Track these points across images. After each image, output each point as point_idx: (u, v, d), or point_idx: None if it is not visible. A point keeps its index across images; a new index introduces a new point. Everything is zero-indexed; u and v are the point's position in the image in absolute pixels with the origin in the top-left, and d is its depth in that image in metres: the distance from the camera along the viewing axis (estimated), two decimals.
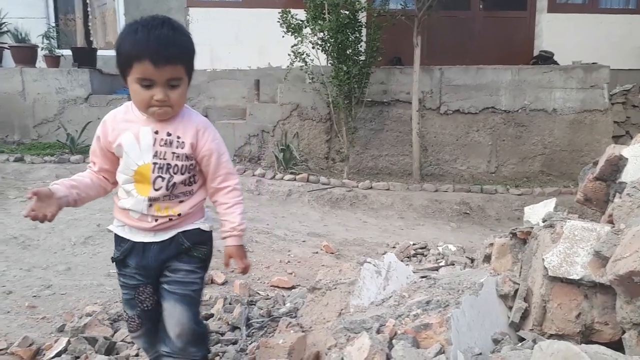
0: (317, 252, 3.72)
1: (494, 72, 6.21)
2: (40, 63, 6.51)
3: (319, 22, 5.32)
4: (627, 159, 1.84)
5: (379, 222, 4.95)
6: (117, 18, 7.28)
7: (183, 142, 1.48)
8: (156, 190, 1.46)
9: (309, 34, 5.45)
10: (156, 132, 1.46)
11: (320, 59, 5.64)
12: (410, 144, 6.13)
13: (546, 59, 6.71)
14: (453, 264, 3.40)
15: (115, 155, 1.48)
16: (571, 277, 1.46)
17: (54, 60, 6.38)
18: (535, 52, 6.98)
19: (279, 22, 5.56)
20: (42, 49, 6.37)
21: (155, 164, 1.45)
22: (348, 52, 5.42)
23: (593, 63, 6.37)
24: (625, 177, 1.79)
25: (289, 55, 5.50)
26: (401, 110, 6.30)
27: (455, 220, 5.16)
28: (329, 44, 5.43)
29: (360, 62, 5.57)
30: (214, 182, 1.55)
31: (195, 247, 1.55)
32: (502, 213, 5.28)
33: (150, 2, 7.18)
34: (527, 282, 1.65)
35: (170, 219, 1.50)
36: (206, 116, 7.23)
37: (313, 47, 5.53)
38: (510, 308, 1.64)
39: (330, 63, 5.63)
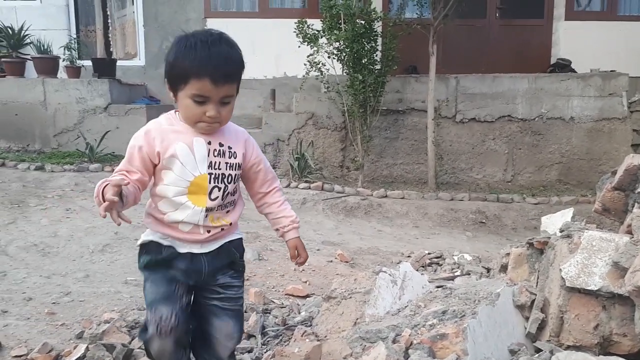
0: (331, 261, 3.72)
1: (511, 80, 6.18)
2: (62, 74, 6.65)
3: (335, 31, 5.36)
4: None
5: (394, 231, 4.93)
6: (137, 29, 7.42)
7: (235, 152, 1.50)
8: (212, 200, 1.47)
9: (325, 43, 5.49)
10: (209, 143, 1.46)
11: (335, 69, 5.68)
12: (425, 153, 6.11)
13: (563, 67, 6.65)
14: (469, 274, 3.38)
15: (158, 166, 1.45)
16: (589, 288, 1.45)
17: (74, 71, 6.52)
18: (553, 60, 6.92)
19: (295, 32, 5.61)
20: (64, 60, 6.51)
21: (210, 174, 1.45)
22: (364, 62, 5.44)
23: (611, 71, 6.30)
24: None
25: (304, 65, 5.55)
26: (416, 119, 6.29)
27: (471, 230, 5.12)
28: (344, 54, 5.46)
29: (376, 71, 5.58)
30: (264, 186, 1.62)
31: (241, 258, 1.61)
32: (518, 222, 5.23)
33: (169, 13, 7.31)
34: (544, 293, 1.64)
35: (222, 229, 1.51)
36: None
37: (329, 57, 5.57)
38: (527, 319, 1.62)
39: (345, 72, 5.65)
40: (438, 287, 2.28)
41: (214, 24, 7.27)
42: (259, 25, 7.27)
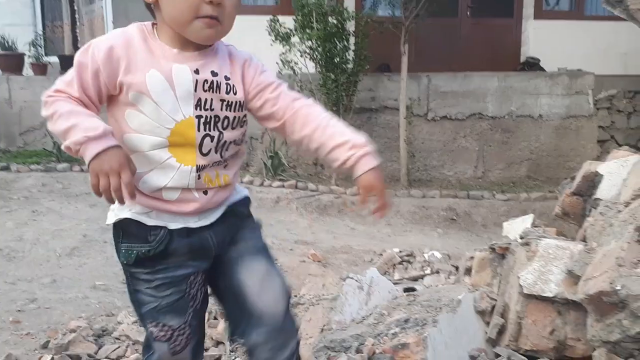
0: (304, 261, 3.74)
1: (481, 78, 6.27)
2: (27, 71, 6.48)
3: (307, 30, 5.35)
4: (602, 175, 1.88)
5: (367, 229, 4.98)
6: (105, 25, 7.26)
7: (234, 86, 1.08)
8: (204, 155, 1.05)
9: (297, 42, 5.48)
10: (196, 72, 1.03)
11: (308, 67, 5.67)
12: (398, 150, 6.17)
13: (532, 65, 6.78)
14: (438, 272, 3.45)
15: (116, 99, 1.02)
16: (545, 295, 1.50)
17: (40, 68, 6.36)
18: (522, 59, 7.04)
19: (267, 30, 5.58)
20: (29, 56, 6.35)
21: (199, 117, 1.03)
22: (336, 61, 5.45)
23: (578, 70, 6.45)
24: (600, 194, 1.83)
25: (276, 63, 5.53)
26: (389, 117, 6.34)
27: (442, 227, 5.20)
28: (317, 53, 5.46)
29: (349, 70, 5.60)
30: (290, 105, 1.12)
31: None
32: (488, 219, 5.33)
33: (140, 9, 7.12)
34: (505, 298, 1.69)
35: (221, 188, 1.11)
36: None
37: (301, 56, 5.56)
38: (488, 324, 1.67)
39: (318, 71, 5.65)
40: (406, 289, 2.32)
41: None
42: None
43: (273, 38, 5.55)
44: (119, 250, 1.11)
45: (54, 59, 6.56)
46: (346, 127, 1.12)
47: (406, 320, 1.51)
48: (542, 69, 6.76)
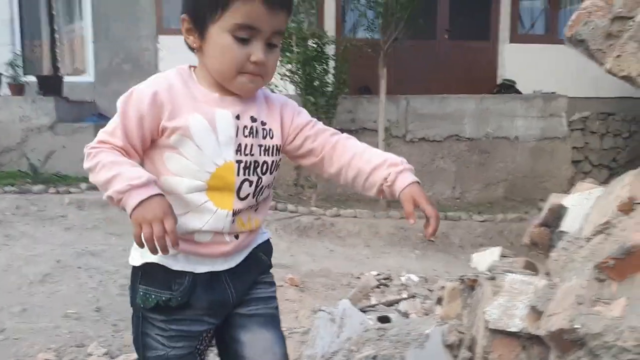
0: (281, 285, 3.72)
1: (458, 101, 6.39)
2: (5, 90, 6.41)
3: (287, 54, 5.40)
4: (567, 208, 1.93)
5: (346, 251, 4.99)
6: (86, 45, 7.24)
7: (271, 130, 1.10)
8: (242, 199, 1.06)
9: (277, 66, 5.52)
10: (237, 117, 1.04)
11: (289, 89, 5.72)
12: None
13: (508, 87, 6.93)
14: (414, 297, 3.47)
15: (157, 143, 1.02)
16: (510, 330, 1.52)
17: (18, 88, 6.30)
18: (499, 81, 7.20)
19: None
20: (7, 77, 6.29)
21: (239, 162, 1.04)
22: (315, 84, 5.51)
23: (552, 92, 6.62)
24: (565, 227, 1.87)
25: None
26: (369, 138, 6.35)
27: (419, 248, 5.24)
28: (297, 76, 5.51)
29: (328, 93, 5.66)
30: (328, 139, 1.15)
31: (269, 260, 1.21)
32: (465, 240, 5.39)
33: (120, 29, 7.17)
34: (473, 331, 1.71)
35: (251, 232, 1.11)
36: None
37: (281, 79, 5.61)
38: (456, 357, 1.69)
39: (298, 94, 5.71)
40: (380, 318, 2.34)
41: (167, 41, 7.19)
42: None
43: None
44: (135, 291, 1.08)
45: (31, 79, 6.50)
46: (383, 151, 1.17)
47: (374, 357, 1.52)
48: (518, 91, 6.92)
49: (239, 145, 1.04)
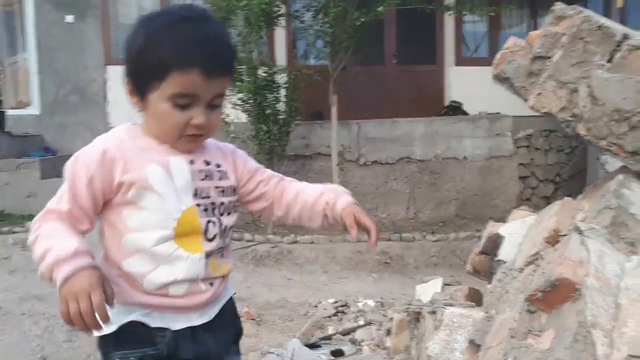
0: None
1: (408, 124, 6.57)
2: None
3: (237, 83, 5.43)
4: (503, 237, 2.02)
5: (303, 278, 4.99)
6: (29, 77, 7.03)
7: (226, 172, 1.12)
8: (210, 240, 1.05)
9: (227, 95, 5.54)
10: (191, 162, 1.06)
11: (241, 117, 5.73)
12: None
13: (455, 109, 7.18)
14: (370, 324, 3.49)
15: (112, 202, 1.01)
16: None
17: None
18: (446, 103, 7.45)
19: None
20: None
21: (199, 205, 1.04)
22: (267, 112, 5.54)
23: (497, 113, 6.89)
24: (502, 256, 1.95)
25: None
26: (323, 163, 6.47)
27: (376, 271, 5.30)
28: (248, 105, 5.53)
29: (280, 120, 5.70)
30: (277, 184, 1.19)
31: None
32: (420, 260, 5.49)
33: (66, 60, 7.01)
34: None
35: (223, 279, 1.10)
36: None
37: (232, 108, 5.61)
38: None
39: (250, 122, 5.72)
40: (333, 352, 2.35)
41: (115, 72, 7.07)
42: None
43: None
44: None
45: None
46: (323, 184, 1.21)
47: None
48: (464, 112, 7.17)
49: (196, 189, 1.05)
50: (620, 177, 1.65)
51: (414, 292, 3.94)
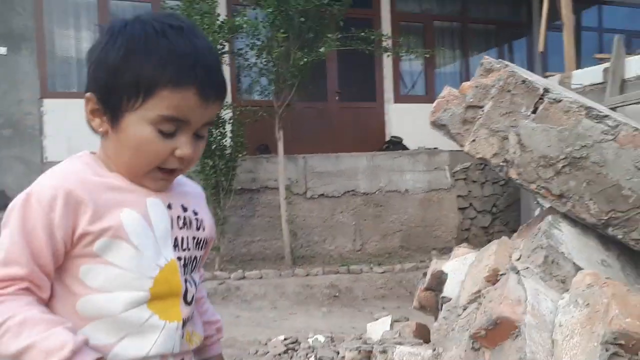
0: None
1: (351, 158, 6.75)
2: None
3: None
4: (446, 274, 2.13)
5: (252, 315, 4.93)
6: None
7: (203, 221, 0.93)
8: (188, 304, 0.87)
9: None
10: (169, 206, 0.87)
11: None
12: (281, 229, 6.30)
13: (396, 143, 7.46)
14: None
15: (71, 254, 0.79)
16: None
17: None
18: (387, 138, 7.73)
19: None
20: None
21: (179, 259, 0.86)
22: (213, 147, 5.54)
23: (435, 148, 7.22)
24: (446, 292, 2.05)
25: None
26: (270, 197, 6.49)
27: (326, 305, 5.33)
28: None
29: (227, 155, 5.71)
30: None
31: None
32: (368, 292, 5.58)
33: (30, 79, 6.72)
34: None
35: (193, 354, 0.94)
36: None
37: None
38: None
39: None
40: None
41: (52, 105, 6.85)
42: None
43: None
44: None
45: None
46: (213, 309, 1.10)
47: None
48: (405, 147, 7.46)
49: (175, 239, 0.86)
50: (550, 217, 1.81)
51: (363, 324, 4.00)
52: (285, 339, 4.06)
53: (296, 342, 4.06)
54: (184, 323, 0.86)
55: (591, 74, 5.72)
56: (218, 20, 5.49)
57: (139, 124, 0.80)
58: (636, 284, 1.76)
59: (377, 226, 6.80)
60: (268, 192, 6.52)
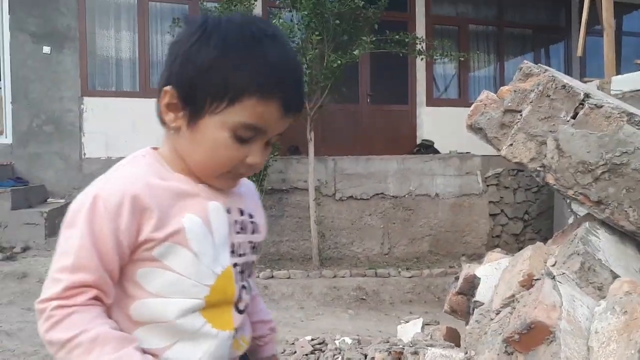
0: None
1: (382, 161, 6.74)
2: None
3: None
4: (479, 278, 2.12)
5: (279, 315, 4.97)
6: (3, 105, 6.96)
7: (257, 224, 0.92)
8: (241, 312, 0.87)
9: None
10: (228, 211, 0.86)
11: None
12: (309, 230, 6.34)
13: (427, 147, 7.41)
14: None
15: (137, 260, 0.78)
16: None
17: None
18: (418, 141, 7.69)
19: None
20: None
21: (235, 265, 0.85)
22: None
23: (467, 152, 7.14)
24: (479, 297, 2.04)
25: None
26: (300, 197, 6.55)
27: (352, 307, 5.33)
28: None
29: None
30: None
31: None
32: (395, 296, 5.56)
33: (41, 90, 6.97)
34: None
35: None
36: None
37: None
38: None
39: None
40: None
41: (91, 103, 7.08)
42: (140, 104, 7.20)
43: None
44: None
45: None
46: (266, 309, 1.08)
47: None
48: (436, 151, 7.40)
49: (233, 244, 0.85)
50: (587, 224, 1.78)
51: (390, 329, 4.00)
52: (312, 340, 4.08)
53: (323, 342, 4.08)
54: (236, 331, 0.85)
55: (631, 80, 5.57)
56: None
57: (217, 128, 0.79)
58: None
59: (406, 230, 6.77)
60: (297, 193, 6.57)
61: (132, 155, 0.86)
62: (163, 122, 0.85)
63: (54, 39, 7.07)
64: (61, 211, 6.06)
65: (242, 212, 0.89)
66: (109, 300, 0.77)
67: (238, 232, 0.87)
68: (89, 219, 0.75)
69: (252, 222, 0.91)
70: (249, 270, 0.91)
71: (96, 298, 0.75)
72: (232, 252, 0.85)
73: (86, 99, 7.11)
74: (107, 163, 6.96)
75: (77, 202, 0.78)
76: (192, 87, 0.79)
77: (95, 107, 7.10)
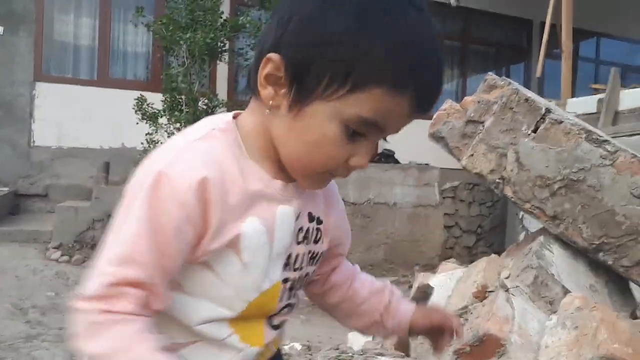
0: None
1: None
2: None
3: (176, 113, 5.35)
4: (433, 287, 2.10)
5: None
6: None
7: (323, 231, 0.78)
8: (275, 328, 0.76)
9: (165, 123, 5.44)
10: (296, 218, 0.72)
11: None
12: None
13: (388, 156, 7.46)
14: None
15: (199, 261, 0.66)
16: None
17: None
18: (379, 150, 7.72)
19: (133, 108, 5.48)
20: None
21: (285, 281, 0.73)
22: None
23: (426, 164, 7.23)
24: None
25: (142, 143, 5.40)
26: None
27: (304, 313, 5.25)
28: None
29: None
30: (346, 273, 0.89)
31: None
32: None
33: None
34: None
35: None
36: (46, 196, 6.66)
37: (169, 137, 5.51)
38: None
39: None
40: None
41: (44, 88, 6.76)
42: (97, 93, 6.94)
43: (139, 117, 5.45)
44: None
45: None
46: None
47: None
48: (396, 161, 7.46)
49: (289, 256, 0.73)
50: (541, 238, 1.79)
51: (341, 336, 3.95)
52: None
53: None
54: (266, 346, 0.74)
55: (585, 104, 5.79)
56: (221, 17, 5.46)
57: (328, 118, 0.63)
58: (622, 311, 1.74)
59: (363, 237, 6.77)
60: None
61: (210, 124, 0.70)
62: (256, 94, 0.68)
63: (10, 19, 6.72)
64: (5, 199, 5.73)
65: (311, 217, 0.76)
66: (160, 306, 0.64)
67: (299, 242, 0.74)
68: (149, 202, 0.61)
69: (317, 229, 0.77)
70: (301, 284, 0.78)
71: (142, 306, 0.62)
72: (287, 264, 0.72)
73: (39, 84, 6.78)
74: (57, 153, 6.69)
75: (135, 178, 0.65)
76: (306, 61, 0.62)
77: (48, 93, 6.78)
